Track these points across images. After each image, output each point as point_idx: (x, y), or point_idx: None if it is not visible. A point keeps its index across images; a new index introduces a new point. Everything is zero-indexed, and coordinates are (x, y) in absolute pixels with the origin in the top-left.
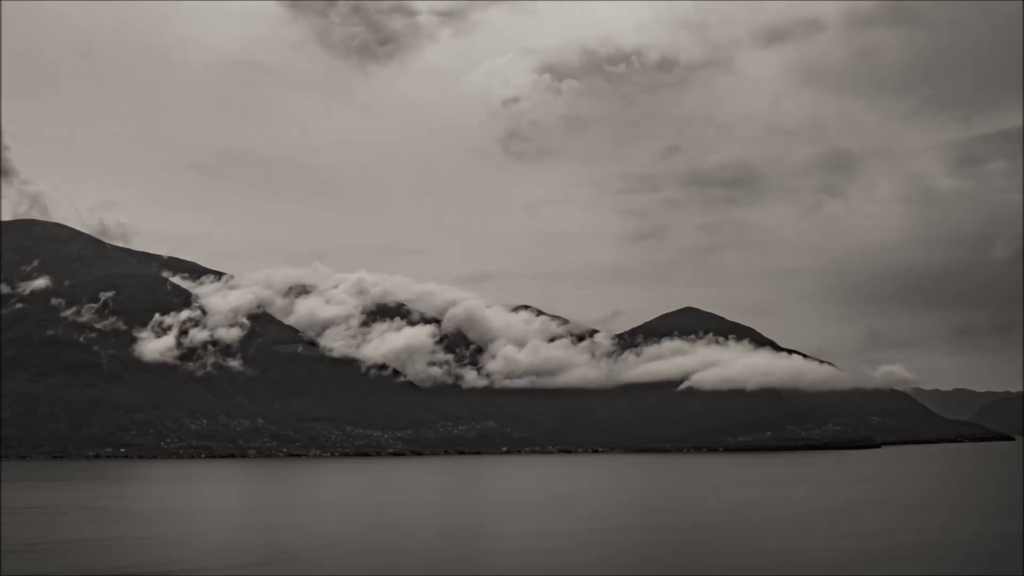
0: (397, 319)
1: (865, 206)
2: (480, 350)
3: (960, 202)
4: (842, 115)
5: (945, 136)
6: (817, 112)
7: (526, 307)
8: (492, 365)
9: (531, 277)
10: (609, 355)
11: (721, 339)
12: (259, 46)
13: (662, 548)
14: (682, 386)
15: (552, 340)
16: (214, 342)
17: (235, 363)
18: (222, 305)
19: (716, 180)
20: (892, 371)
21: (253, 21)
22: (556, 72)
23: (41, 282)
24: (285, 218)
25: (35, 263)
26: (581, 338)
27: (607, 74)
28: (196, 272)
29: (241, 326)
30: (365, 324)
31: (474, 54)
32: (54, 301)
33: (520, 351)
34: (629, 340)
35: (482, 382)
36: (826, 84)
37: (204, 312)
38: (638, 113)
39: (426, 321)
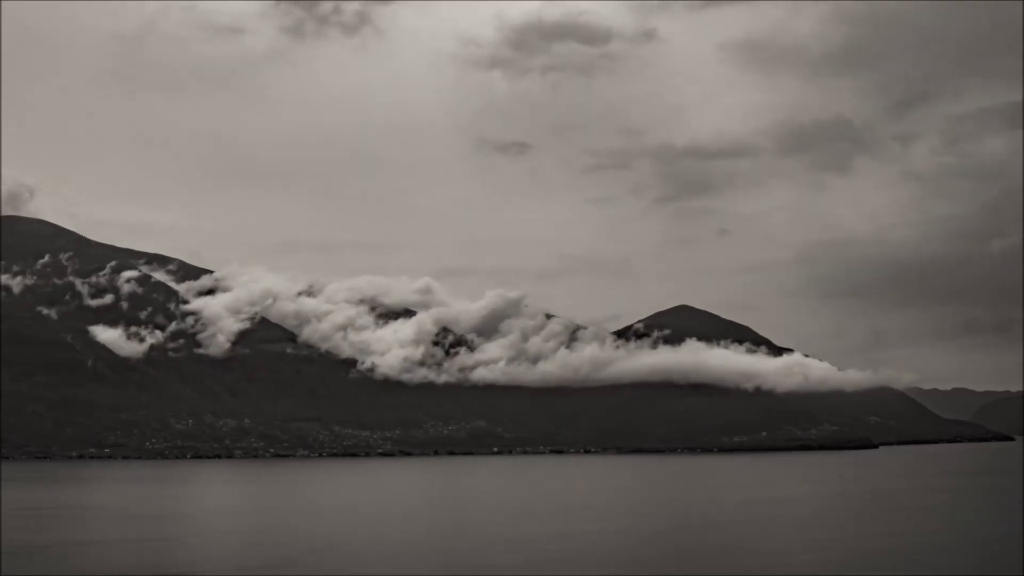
0: (386, 317)
1: (854, 194)
2: (471, 349)
3: (957, 191)
4: (822, 94)
5: (939, 114)
6: (790, 90)
7: (517, 304)
8: (482, 364)
9: (522, 273)
10: (602, 353)
11: (715, 338)
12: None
13: (660, 549)
14: (676, 385)
15: (544, 338)
16: (200, 341)
17: (221, 362)
18: (208, 303)
19: (697, 164)
20: (890, 370)
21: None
22: (517, 47)
23: (25, 280)
24: (268, 213)
25: (19, 260)
26: (573, 336)
27: (565, 52)
28: (182, 269)
29: (228, 325)
30: (354, 323)
31: (420, 36)
32: (38, 299)
33: (511, 350)
34: (622, 338)
35: (472, 381)
36: (802, 61)
37: (190, 310)
38: (602, 92)
39: (414, 319)
